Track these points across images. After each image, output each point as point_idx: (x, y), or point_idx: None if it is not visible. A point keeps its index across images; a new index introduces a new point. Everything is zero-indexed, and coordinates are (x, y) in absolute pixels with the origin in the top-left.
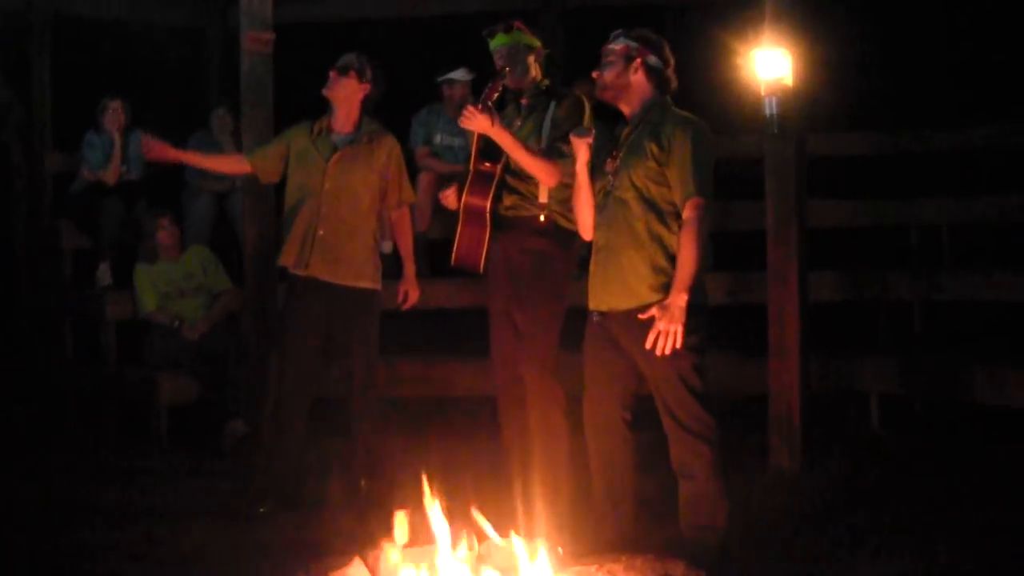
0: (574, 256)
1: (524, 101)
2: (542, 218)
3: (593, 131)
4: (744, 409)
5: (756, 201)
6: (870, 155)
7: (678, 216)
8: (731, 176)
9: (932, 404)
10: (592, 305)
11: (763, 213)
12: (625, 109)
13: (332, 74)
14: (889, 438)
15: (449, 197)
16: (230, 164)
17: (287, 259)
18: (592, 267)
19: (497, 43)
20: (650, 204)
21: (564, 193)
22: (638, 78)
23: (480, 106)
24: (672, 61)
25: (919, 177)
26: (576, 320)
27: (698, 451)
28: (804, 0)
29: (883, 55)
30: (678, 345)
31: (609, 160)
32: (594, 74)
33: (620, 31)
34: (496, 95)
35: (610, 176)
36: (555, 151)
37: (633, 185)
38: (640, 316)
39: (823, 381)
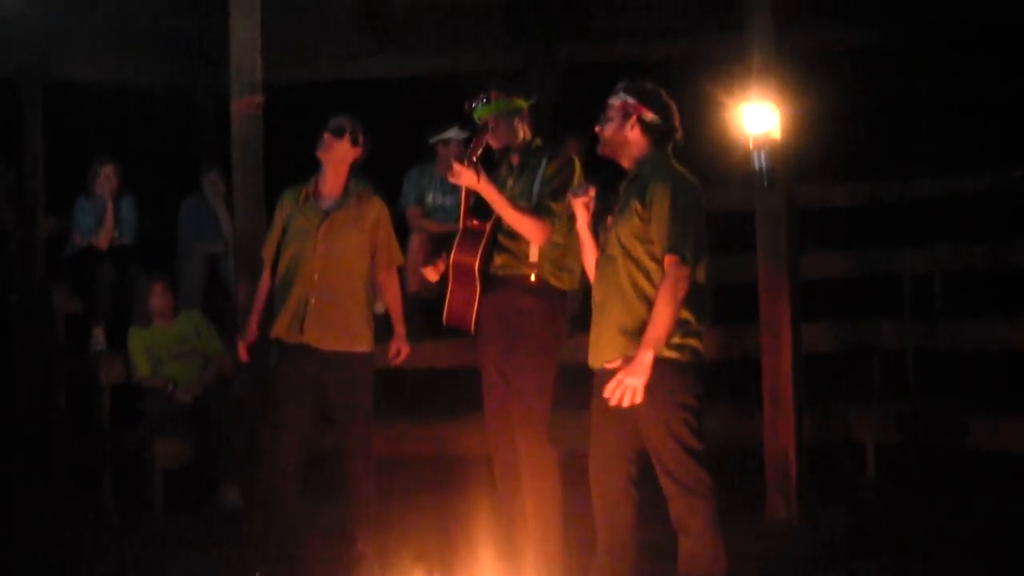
0: (565, 315)
1: (515, 160)
2: (532, 277)
3: (592, 189)
4: (741, 460)
5: (748, 254)
6: (860, 205)
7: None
8: (722, 229)
9: (928, 452)
10: (589, 363)
11: (755, 266)
12: (624, 164)
13: (327, 136)
14: (885, 487)
15: (430, 272)
16: (266, 286)
17: (279, 329)
18: (591, 324)
19: (480, 114)
20: (635, 261)
21: (554, 252)
22: (634, 134)
23: (466, 162)
24: (674, 114)
25: (911, 225)
26: (571, 378)
27: (694, 508)
28: (790, 53)
29: (871, 105)
30: (637, 400)
31: (609, 216)
32: (596, 128)
33: (622, 84)
34: (480, 150)
35: (605, 233)
36: (543, 209)
37: (620, 242)
38: (607, 366)
39: (818, 432)
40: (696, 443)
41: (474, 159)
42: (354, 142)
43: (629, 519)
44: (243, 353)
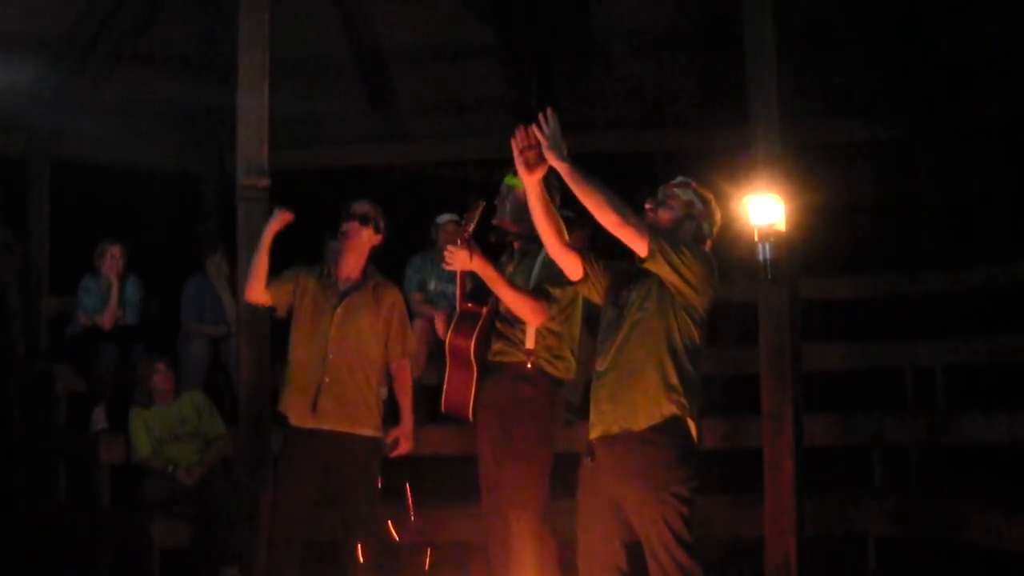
0: (561, 403)
1: (516, 245)
2: (529, 365)
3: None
4: (740, 553)
5: (750, 346)
6: (864, 298)
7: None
8: (725, 320)
9: (929, 547)
10: (592, 434)
11: (757, 357)
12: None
13: (355, 224)
14: None
15: (440, 326)
16: (263, 279)
17: (288, 409)
18: (592, 396)
19: (511, 182)
20: (659, 327)
21: (550, 340)
22: (684, 232)
23: (459, 241)
24: (718, 222)
25: (914, 318)
26: (568, 466)
27: None
28: (796, 145)
29: (876, 198)
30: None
31: (624, 292)
32: (647, 206)
33: (688, 180)
34: (472, 226)
35: (622, 307)
36: (541, 291)
37: (643, 307)
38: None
39: (820, 524)
40: (688, 534)
41: (466, 236)
42: (376, 229)
43: None
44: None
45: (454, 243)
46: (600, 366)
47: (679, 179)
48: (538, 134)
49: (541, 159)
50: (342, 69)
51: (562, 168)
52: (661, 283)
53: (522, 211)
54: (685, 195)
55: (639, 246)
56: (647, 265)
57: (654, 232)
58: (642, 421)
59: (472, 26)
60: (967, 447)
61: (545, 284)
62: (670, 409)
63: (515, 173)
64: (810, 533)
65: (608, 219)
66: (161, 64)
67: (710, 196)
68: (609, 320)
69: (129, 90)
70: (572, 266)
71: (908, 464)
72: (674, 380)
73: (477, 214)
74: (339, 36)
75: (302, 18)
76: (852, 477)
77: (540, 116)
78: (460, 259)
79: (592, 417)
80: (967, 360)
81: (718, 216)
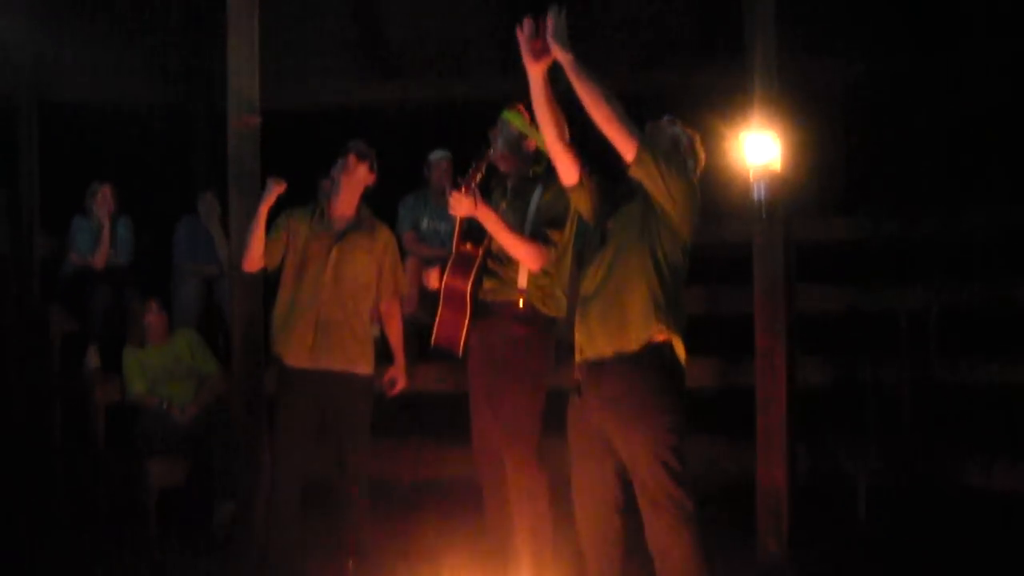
0: (552, 342)
1: (510, 183)
2: (521, 303)
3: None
4: (731, 493)
5: (744, 286)
6: (858, 240)
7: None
8: (719, 261)
9: (920, 489)
10: (578, 356)
11: (751, 298)
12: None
13: (352, 157)
14: (877, 524)
15: (432, 278)
16: (260, 248)
17: (282, 350)
18: (577, 317)
19: (508, 116)
20: (646, 248)
21: (543, 280)
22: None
23: (464, 189)
24: (702, 161)
25: (908, 261)
26: (560, 404)
27: (674, 532)
28: (792, 84)
29: (872, 139)
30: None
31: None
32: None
33: (673, 118)
34: (480, 176)
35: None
36: (541, 236)
37: (630, 227)
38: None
39: (810, 466)
40: (679, 465)
41: (473, 185)
42: (371, 168)
43: (617, 547)
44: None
45: (447, 181)
46: (586, 290)
47: (665, 117)
48: (547, 24)
49: (546, 50)
50: (334, 6)
51: (566, 59)
52: (646, 207)
53: (516, 146)
54: (671, 131)
55: (627, 147)
56: (633, 171)
57: (644, 138)
58: (633, 342)
59: None
60: (960, 390)
61: (544, 228)
62: (659, 329)
63: (511, 108)
64: (801, 474)
65: (602, 113)
66: (152, 1)
67: (695, 134)
68: (592, 241)
69: (118, 25)
70: (568, 168)
71: (900, 407)
72: (661, 300)
73: (485, 163)
74: None
75: None
76: (844, 419)
77: (549, 9)
78: (464, 206)
79: (581, 341)
80: (961, 304)
81: (702, 155)
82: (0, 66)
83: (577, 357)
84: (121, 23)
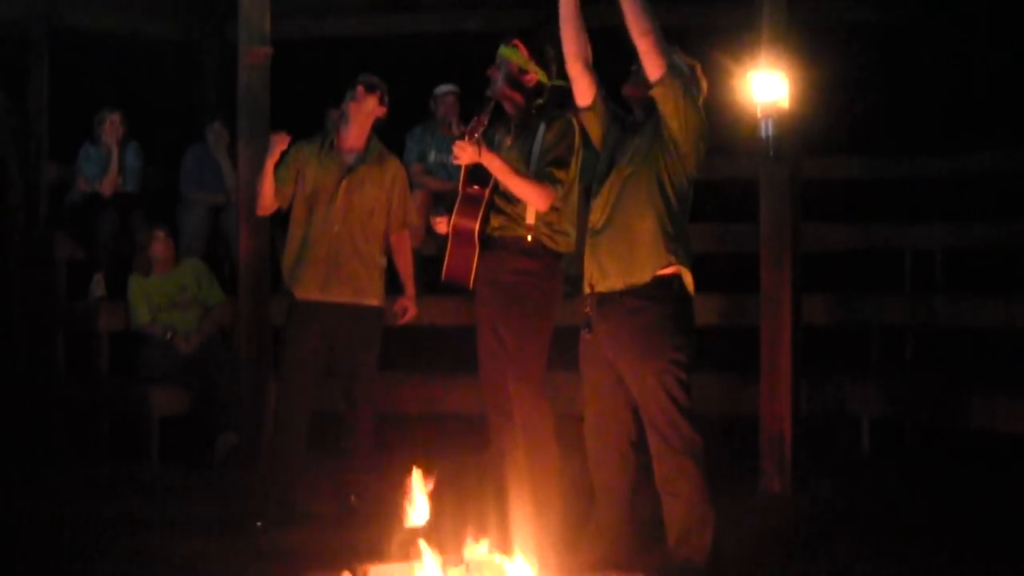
0: (560, 277)
1: (513, 120)
2: (529, 239)
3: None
4: (735, 431)
5: (750, 223)
6: (865, 179)
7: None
8: (726, 197)
9: (922, 428)
10: (588, 289)
11: (757, 235)
12: (637, 110)
13: (360, 88)
14: (880, 462)
15: (440, 223)
16: (271, 197)
17: (293, 280)
18: (587, 248)
19: (504, 52)
20: (656, 180)
21: (550, 215)
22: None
23: (467, 138)
24: (704, 91)
25: (914, 202)
26: (567, 340)
27: (682, 467)
28: (801, 23)
29: (879, 80)
30: None
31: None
32: (633, 68)
33: (674, 47)
34: (483, 126)
35: (615, 161)
36: (547, 176)
37: (639, 161)
38: (658, 274)
39: (814, 404)
40: (686, 399)
41: (476, 135)
42: (381, 101)
43: (629, 482)
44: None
45: (453, 115)
46: (594, 222)
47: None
48: None
49: None
50: None
51: None
52: (654, 135)
53: (516, 81)
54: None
55: (657, 64)
56: (655, 91)
57: (672, 60)
58: (646, 273)
59: None
60: (964, 331)
61: (549, 168)
62: (668, 260)
63: (508, 44)
64: (805, 412)
65: (642, 26)
66: None
67: (696, 64)
68: (601, 173)
69: None
70: (585, 89)
71: (905, 347)
72: (670, 229)
73: (488, 110)
74: None
75: None
76: (849, 358)
77: None
78: (468, 154)
79: (591, 274)
80: (967, 244)
81: (705, 85)
82: None
83: (587, 290)
84: None
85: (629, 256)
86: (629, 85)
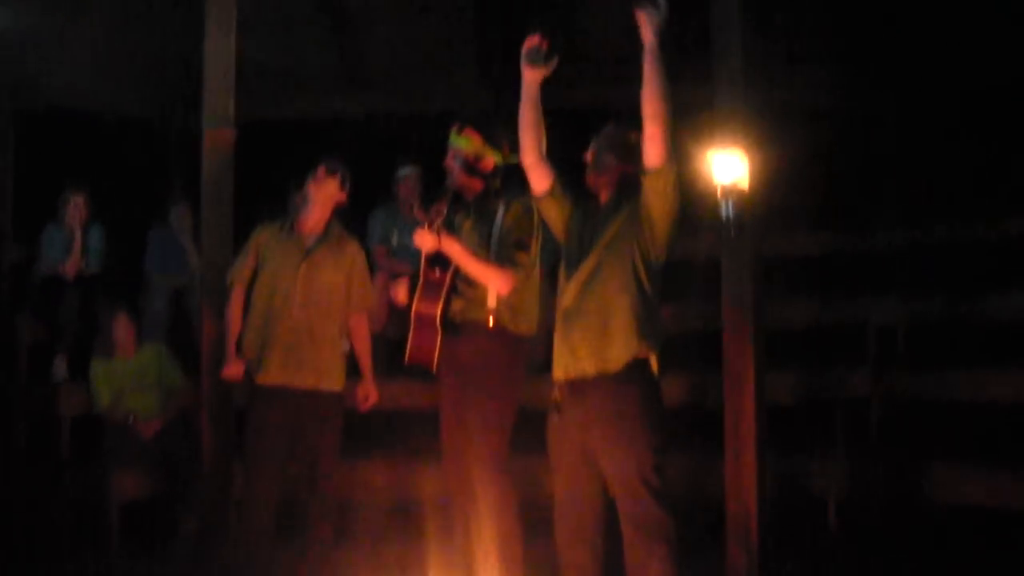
0: (523, 359)
1: (472, 204)
2: (491, 321)
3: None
4: (700, 511)
5: (713, 302)
6: (826, 255)
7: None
8: (688, 276)
9: (890, 504)
10: (562, 374)
11: (720, 314)
12: (604, 196)
13: (321, 169)
14: (847, 540)
15: (399, 293)
16: (239, 309)
17: (253, 365)
18: (557, 334)
19: (455, 141)
20: (628, 269)
21: (511, 297)
22: (631, 170)
23: (428, 227)
24: None
25: (874, 276)
26: (531, 422)
27: (653, 551)
28: (760, 102)
29: (839, 156)
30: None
31: (585, 232)
32: (589, 154)
33: (616, 125)
34: (443, 214)
35: (585, 249)
36: (507, 260)
37: (614, 250)
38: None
39: (780, 483)
40: (660, 484)
41: (436, 224)
42: (342, 185)
43: (597, 561)
44: (233, 373)
45: (415, 197)
46: (566, 306)
47: (609, 127)
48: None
49: (549, 59)
50: (309, 18)
51: (652, 43)
52: (630, 220)
53: (474, 168)
54: (620, 133)
55: (659, 151)
56: (649, 176)
57: (671, 152)
58: (619, 360)
59: None
60: (928, 405)
61: (509, 251)
62: (642, 346)
63: (460, 133)
64: (771, 491)
65: (658, 107)
66: (128, 11)
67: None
68: (570, 256)
69: (95, 37)
70: (541, 177)
71: (870, 421)
72: (643, 316)
73: (447, 199)
74: None
75: None
76: (813, 433)
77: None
78: (429, 242)
79: (562, 359)
80: (928, 318)
81: None
82: None
83: (559, 375)
84: (98, 33)
85: (602, 342)
86: (592, 174)
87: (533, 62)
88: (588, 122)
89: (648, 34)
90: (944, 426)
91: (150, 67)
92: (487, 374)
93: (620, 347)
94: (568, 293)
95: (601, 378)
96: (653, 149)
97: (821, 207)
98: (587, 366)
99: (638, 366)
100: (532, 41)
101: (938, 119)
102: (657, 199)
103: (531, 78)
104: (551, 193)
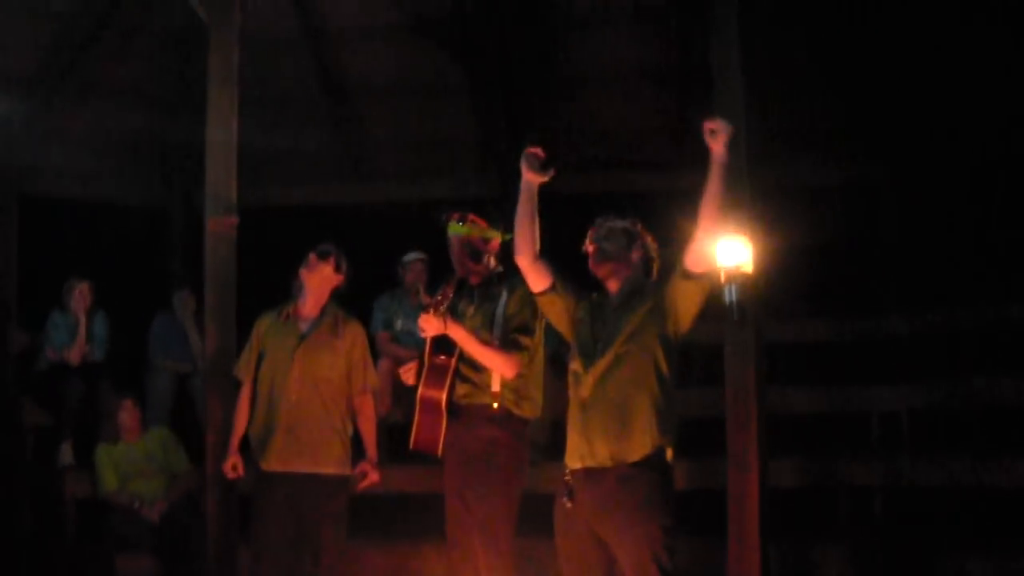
0: (527, 443)
1: (475, 282)
2: (495, 406)
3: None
4: None
5: (716, 388)
6: (829, 341)
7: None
8: (691, 362)
9: None
10: (578, 462)
11: (723, 400)
12: (613, 286)
13: (312, 257)
14: None
15: (408, 374)
16: (246, 403)
17: (256, 452)
18: (573, 423)
19: (451, 231)
20: (649, 362)
21: (516, 382)
22: (635, 256)
23: (433, 312)
24: (656, 251)
25: (878, 363)
26: (536, 507)
27: None
28: (763, 188)
29: (842, 240)
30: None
31: (598, 325)
32: (589, 247)
33: (610, 214)
34: (448, 300)
35: (600, 341)
36: (513, 344)
37: (634, 342)
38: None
39: (783, 567)
40: (671, 565)
41: (441, 309)
42: (337, 268)
43: None
44: (231, 471)
45: (421, 283)
46: (583, 394)
47: (605, 217)
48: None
49: (547, 168)
50: (311, 106)
51: (721, 155)
52: (651, 317)
53: (480, 254)
54: (619, 224)
55: (705, 260)
56: (688, 282)
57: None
58: (636, 453)
59: (442, 64)
60: (933, 491)
61: (513, 335)
62: (661, 439)
63: (461, 223)
64: (774, 573)
65: (714, 216)
66: (130, 99)
67: (647, 233)
68: (584, 348)
69: (98, 125)
70: (539, 277)
71: (874, 507)
72: (663, 409)
73: (453, 287)
74: (309, 73)
75: (272, 54)
76: (817, 520)
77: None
78: (434, 326)
79: (579, 448)
80: (932, 403)
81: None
82: None
83: (574, 464)
84: (103, 119)
85: (621, 435)
86: (596, 265)
87: (532, 169)
88: (588, 207)
89: (718, 146)
90: (948, 512)
91: (152, 154)
92: (492, 459)
93: (639, 441)
94: (586, 385)
95: (618, 467)
96: (701, 257)
97: (823, 292)
98: (604, 458)
99: (656, 455)
100: (533, 151)
101: (941, 200)
102: (690, 303)
103: (530, 180)
104: (551, 290)
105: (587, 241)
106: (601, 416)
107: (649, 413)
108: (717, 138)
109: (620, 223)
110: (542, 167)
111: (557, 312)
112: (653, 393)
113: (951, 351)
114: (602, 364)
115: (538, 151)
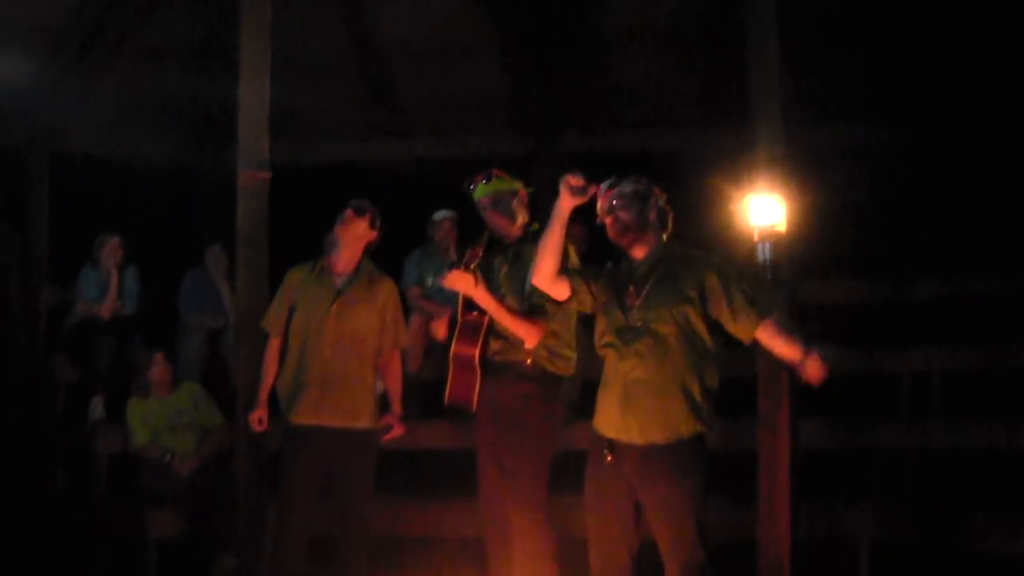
0: (561, 400)
1: (510, 240)
2: (529, 363)
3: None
4: (734, 556)
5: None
6: (862, 302)
7: (714, 355)
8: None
9: (922, 551)
10: (614, 434)
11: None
12: (639, 253)
13: (349, 212)
14: None
15: (439, 329)
16: (275, 357)
17: (287, 404)
18: (613, 397)
19: (479, 194)
20: (691, 342)
21: (549, 339)
22: (653, 217)
23: (463, 267)
24: (666, 200)
25: (910, 325)
26: (568, 463)
27: None
28: (798, 146)
29: (876, 202)
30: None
31: (629, 294)
32: (607, 218)
33: (614, 178)
34: (478, 259)
35: (635, 310)
36: (536, 309)
37: (675, 322)
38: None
39: (813, 528)
40: (704, 518)
41: (472, 266)
42: (372, 225)
43: None
44: (256, 424)
45: (451, 240)
46: (625, 372)
47: (606, 182)
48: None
49: (585, 192)
50: (344, 63)
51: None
52: (702, 312)
53: (511, 208)
54: (628, 187)
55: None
56: (752, 330)
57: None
58: (685, 431)
59: (475, 23)
60: (961, 453)
61: (540, 300)
62: (697, 426)
63: (491, 181)
64: (803, 537)
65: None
66: (161, 56)
67: (663, 195)
68: (617, 323)
69: (129, 82)
70: (560, 291)
71: (903, 470)
72: (710, 387)
73: (482, 248)
74: (341, 30)
75: (304, 11)
76: (847, 482)
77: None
78: (464, 283)
79: (614, 419)
80: (964, 366)
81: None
82: (12, 117)
83: (608, 433)
84: (133, 76)
85: (661, 417)
86: (617, 235)
87: (572, 194)
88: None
89: (566, 199)
90: (978, 475)
91: (184, 111)
92: (524, 415)
93: (689, 420)
94: (621, 360)
95: (666, 445)
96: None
97: (857, 253)
98: (653, 435)
99: (692, 440)
100: (575, 180)
101: (977, 163)
102: (740, 332)
103: (567, 205)
104: (572, 296)
105: (600, 212)
106: (641, 394)
107: (699, 395)
108: (814, 366)
109: (628, 187)
110: (581, 191)
111: (584, 307)
112: (703, 376)
113: (985, 314)
114: (644, 342)
115: (578, 179)
